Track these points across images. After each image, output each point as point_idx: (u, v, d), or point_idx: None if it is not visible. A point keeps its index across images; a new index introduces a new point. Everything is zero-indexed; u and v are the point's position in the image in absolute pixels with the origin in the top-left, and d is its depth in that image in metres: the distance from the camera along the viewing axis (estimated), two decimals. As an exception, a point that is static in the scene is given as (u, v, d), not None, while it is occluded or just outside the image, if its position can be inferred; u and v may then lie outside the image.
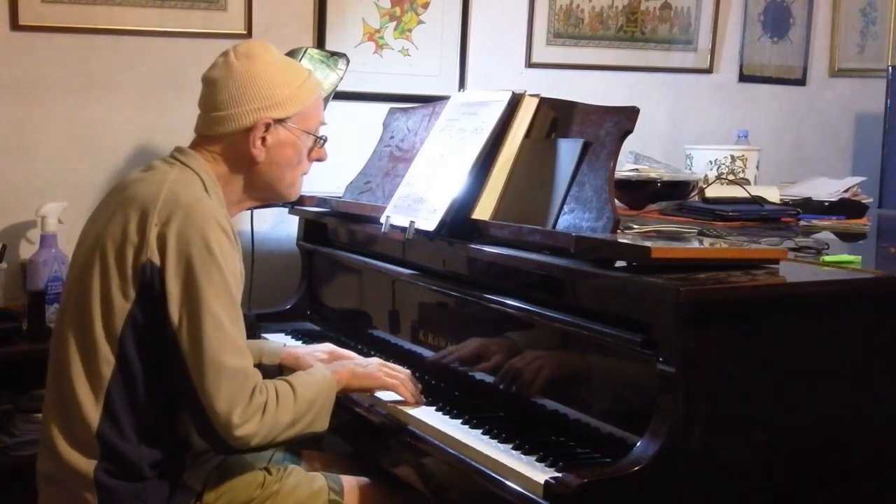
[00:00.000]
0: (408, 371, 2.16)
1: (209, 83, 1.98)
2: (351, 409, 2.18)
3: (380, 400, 2.14)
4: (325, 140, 2.06)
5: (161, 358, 1.82)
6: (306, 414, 1.90)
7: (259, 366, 2.22)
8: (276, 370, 2.23)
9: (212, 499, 1.93)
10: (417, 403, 2.09)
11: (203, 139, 1.99)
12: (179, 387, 1.80)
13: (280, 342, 2.42)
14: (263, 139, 1.95)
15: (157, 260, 1.79)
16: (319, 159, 2.07)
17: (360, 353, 2.39)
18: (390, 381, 2.09)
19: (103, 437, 1.82)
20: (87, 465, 1.82)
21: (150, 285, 1.79)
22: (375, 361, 2.15)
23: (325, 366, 2.09)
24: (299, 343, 2.65)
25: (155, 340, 1.81)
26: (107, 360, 1.81)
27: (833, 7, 4.41)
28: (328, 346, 2.33)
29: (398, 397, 2.12)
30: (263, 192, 2.03)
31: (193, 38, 3.23)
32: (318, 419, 1.93)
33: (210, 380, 1.77)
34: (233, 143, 1.96)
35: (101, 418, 1.82)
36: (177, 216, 1.80)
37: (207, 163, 1.96)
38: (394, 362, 2.33)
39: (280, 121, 1.96)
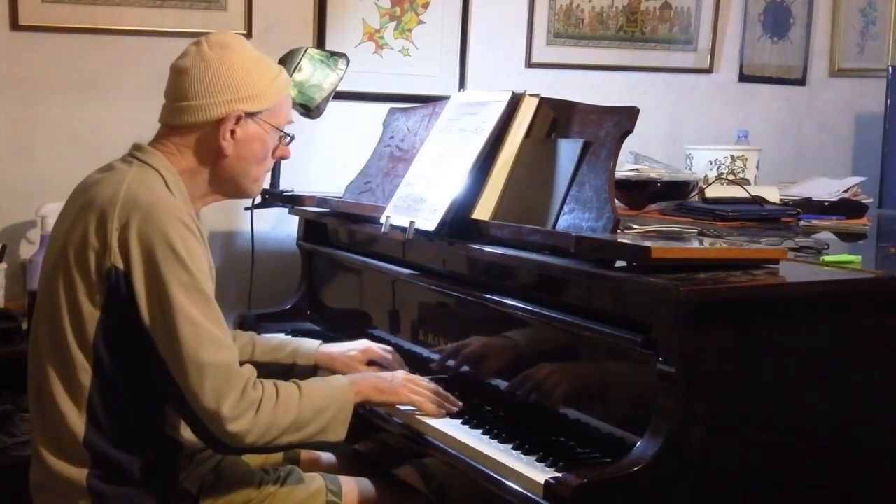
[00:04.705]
0: (434, 385, 2.08)
1: (180, 72, 1.92)
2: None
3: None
4: (292, 138, 2.02)
5: (139, 360, 1.78)
6: (314, 420, 1.86)
7: (293, 366, 2.22)
8: (311, 371, 2.18)
9: (208, 500, 1.92)
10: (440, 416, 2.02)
11: (169, 130, 1.93)
12: (164, 388, 1.77)
13: (315, 341, 2.34)
14: (233, 132, 1.91)
15: (121, 264, 1.75)
16: (283, 157, 2.03)
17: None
18: (416, 399, 2.03)
19: (91, 445, 1.79)
20: (78, 473, 1.80)
21: (116, 290, 1.75)
22: (401, 375, 2.08)
23: (347, 376, 2.03)
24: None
25: (129, 344, 1.78)
26: (84, 369, 1.78)
27: (833, 7, 4.41)
28: (363, 344, 2.28)
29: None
30: (227, 187, 1.98)
31: (193, 38, 3.17)
32: (332, 428, 1.88)
33: (192, 378, 1.73)
34: (201, 135, 1.91)
35: (87, 427, 1.79)
36: (136, 217, 1.75)
37: (170, 156, 1.91)
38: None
39: (251, 114, 1.92)
